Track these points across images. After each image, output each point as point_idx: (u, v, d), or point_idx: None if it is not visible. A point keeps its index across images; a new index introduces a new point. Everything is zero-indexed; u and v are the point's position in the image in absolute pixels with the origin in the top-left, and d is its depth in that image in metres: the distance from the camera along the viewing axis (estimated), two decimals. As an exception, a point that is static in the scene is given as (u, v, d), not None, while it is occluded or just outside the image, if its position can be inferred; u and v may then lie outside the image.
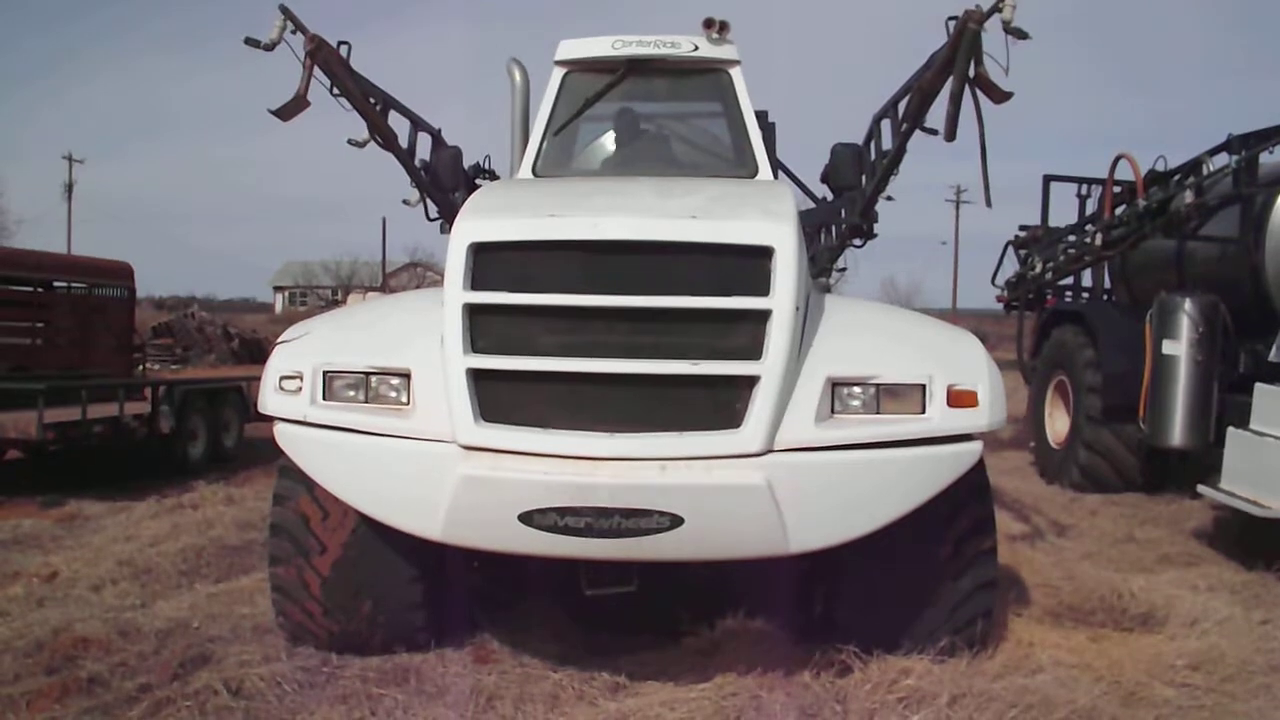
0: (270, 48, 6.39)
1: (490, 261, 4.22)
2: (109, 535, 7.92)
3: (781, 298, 4.13)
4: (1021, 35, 5.59)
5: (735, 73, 6.66)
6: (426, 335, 4.34)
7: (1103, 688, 4.61)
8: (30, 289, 12.37)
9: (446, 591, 4.96)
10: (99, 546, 7.48)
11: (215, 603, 5.91)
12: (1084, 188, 12.92)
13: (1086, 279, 13.37)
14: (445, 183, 7.46)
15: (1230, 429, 7.72)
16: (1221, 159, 9.51)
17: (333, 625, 4.85)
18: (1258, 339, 8.75)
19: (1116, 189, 11.30)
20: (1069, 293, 13.56)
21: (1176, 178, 10.22)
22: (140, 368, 15.52)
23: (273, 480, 4.99)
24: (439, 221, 8.06)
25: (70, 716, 4.28)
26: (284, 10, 6.32)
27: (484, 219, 4.39)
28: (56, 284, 12.84)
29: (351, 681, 4.58)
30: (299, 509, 4.75)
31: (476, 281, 4.19)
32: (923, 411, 4.23)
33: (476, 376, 4.13)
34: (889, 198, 7.38)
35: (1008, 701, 4.26)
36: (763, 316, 4.13)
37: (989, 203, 6.16)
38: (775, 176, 6.62)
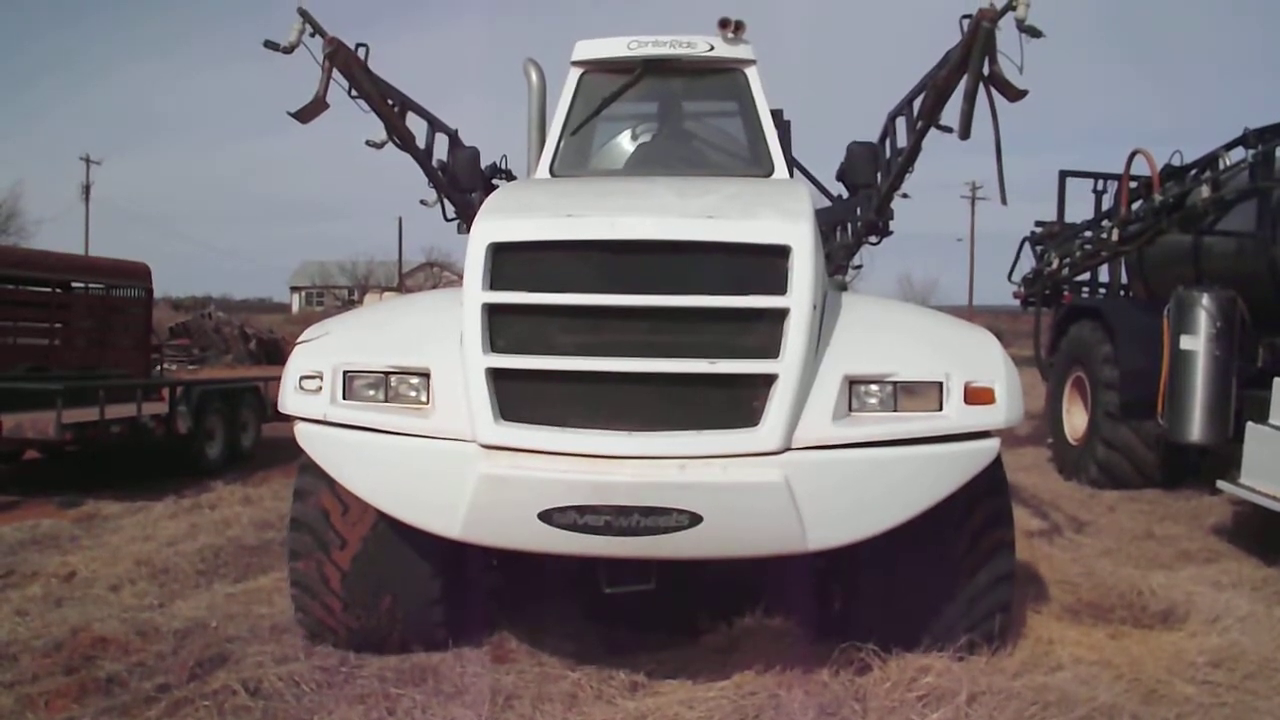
0: (289, 50, 6.42)
1: (509, 261, 4.23)
2: (127, 535, 7.96)
3: (799, 296, 4.13)
4: (1035, 33, 5.58)
5: (751, 72, 6.67)
6: (446, 335, 4.35)
7: (1123, 685, 4.60)
8: (48, 290, 12.49)
9: (465, 589, 4.97)
10: (117, 546, 7.52)
11: (233, 603, 5.93)
12: (1100, 183, 12.90)
13: (1103, 275, 13.34)
14: (463, 183, 7.49)
15: (1249, 424, 7.66)
16: (1238, 153, 9.47)
17: (352, 621, 4.87)
18: (1276, 333, 8.71)
19: (1133, 184, 11.27)
20: (1086, 288, 13.55)
21: (1193, 172, 10.17)
22: (158, 368, 15.65)
23: (290, 480, 5.01)
24: (456, 221, 8.09)
25: (88, 716, 4.29)
26: (303, 13, 6.35)
27: (503, 219, 4.40)
28: (74, 285, 12.97)
29: (369, 681, 4.59)
30: (320, 504, 4.77)
31: (495, 281, 4.20)
32: (940, 409, 4.22)
33: (496, 376, 4.13)
34: (904, 195, 7.38)
35: (1027, 699, 4.25)
36: (780, 315, 4.13)
37: (1004, 199, 6.17)
38: (791, 175, 6.62)
